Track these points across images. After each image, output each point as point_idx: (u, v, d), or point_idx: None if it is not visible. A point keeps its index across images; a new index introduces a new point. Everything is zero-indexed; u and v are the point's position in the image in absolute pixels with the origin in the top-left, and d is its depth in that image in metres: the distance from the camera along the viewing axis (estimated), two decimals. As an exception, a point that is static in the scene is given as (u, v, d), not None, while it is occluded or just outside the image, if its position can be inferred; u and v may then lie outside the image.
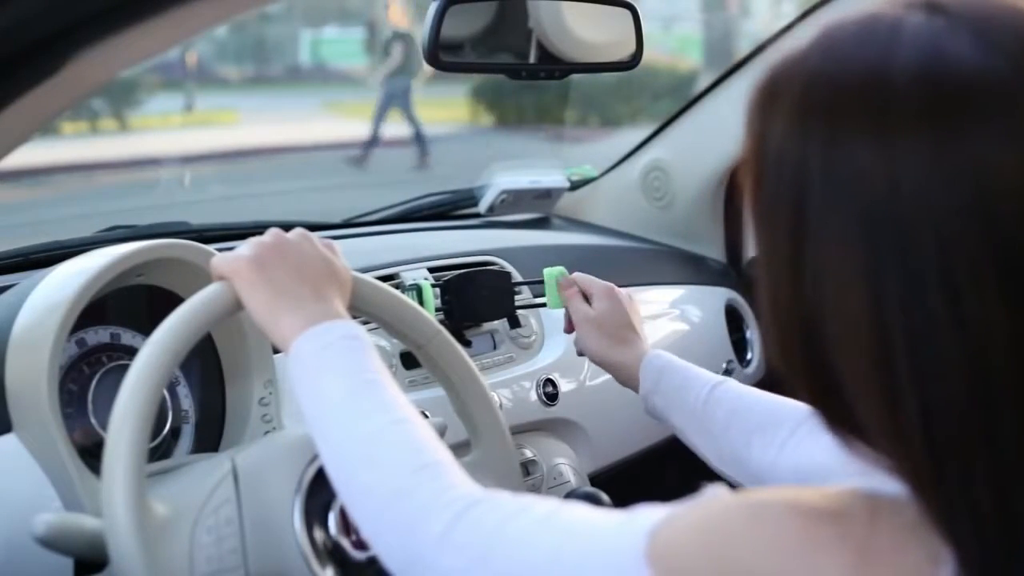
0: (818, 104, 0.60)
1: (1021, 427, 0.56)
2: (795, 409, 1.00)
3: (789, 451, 0.99)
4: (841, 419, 0.62)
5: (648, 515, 0.64)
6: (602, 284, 1.20)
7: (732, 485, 0.69)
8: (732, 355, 1.63)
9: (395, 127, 9.76)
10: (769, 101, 0.62)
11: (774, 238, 0.63)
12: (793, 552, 0.58)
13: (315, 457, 0.91)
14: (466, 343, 1.32)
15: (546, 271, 1.25)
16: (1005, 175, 0.55)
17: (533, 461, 1.32)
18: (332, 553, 0.89)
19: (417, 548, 0.72)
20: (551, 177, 1.80)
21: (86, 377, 1.07)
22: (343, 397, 0.81)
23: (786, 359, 0.64)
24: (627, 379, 1.15)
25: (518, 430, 1.25)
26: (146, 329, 1.05)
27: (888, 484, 0.60)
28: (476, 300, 1.32)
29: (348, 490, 0.79)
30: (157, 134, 10.52)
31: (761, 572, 0.58)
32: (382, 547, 0.76)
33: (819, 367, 0.61)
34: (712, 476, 1.70)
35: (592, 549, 0.65)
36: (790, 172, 0.61)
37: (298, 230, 0.93)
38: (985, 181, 0.55)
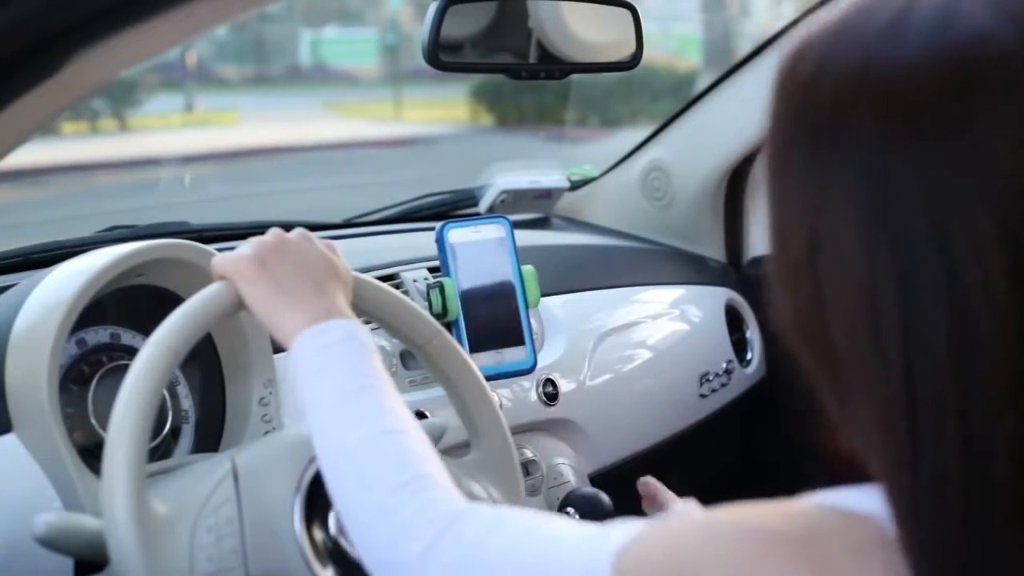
0: (832, 67, 0.59)
1: (1000, 398, 0.55)
2: None
3: None
4: (834, 392, 0.62)
5: (619, 533, 0.65)
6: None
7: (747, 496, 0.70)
8: (732, 355, 1.63)
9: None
10: (797, 59, 0.62)
11: (784, 182, 0.62)
12: (748, 573, 0.58)
13: (315, 457, 0.91)
14: (466, 343, 1.32)
15: (524, 268, 1.29)
16: (1006, 148, 0.55)
17: (533, 461, 1.32)
18: (332, 553, 0.89)
19: (401, 565, 0.73)
20: (551, 177, 1.80)
21: (86, 377, 1.07)
22: (337, 402, 0.81)
23: (789, 318, 0.63)
24: None
25: (518, 430, 1.25)
26: (146, 329, 1.05)
27: (859, 499, 0.60)
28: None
29: (337, 498, 0.80)
30: (157, 134, 10.52)
31: None
32: (369, 560, 0.77)
33: (816, 327, 0.61)
34: (712, 476, 1.70)
35: (565, 564, 0.66)
36: (805, 124, 0.61)
37: (298, 230, 0.93)
38: (986, 153, 0.55)
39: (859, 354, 0.58)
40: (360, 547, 0.78)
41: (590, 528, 0.68)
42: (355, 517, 0.78)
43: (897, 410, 0.57)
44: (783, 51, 0.63)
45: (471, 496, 0.97)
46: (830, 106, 0.59)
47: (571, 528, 0.70)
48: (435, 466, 0.78)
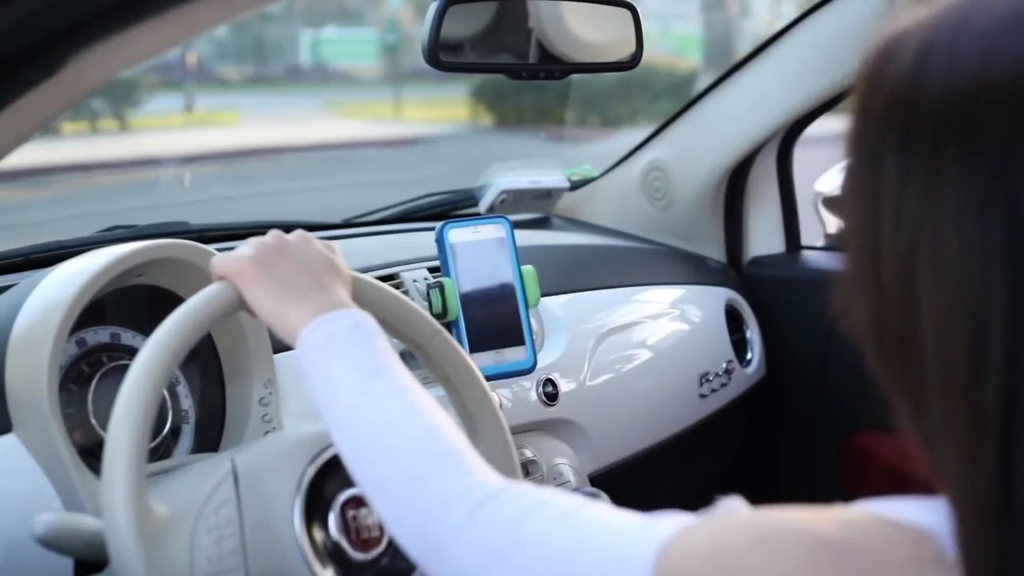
0: (941, 62, 0.56)
1: None
2: None
3: None
4: (909, 400, 0.59)
5: (664, 527, 0.63)
6: None
7: (748, 497, 0.68)
8: (732, 355, 1.63)
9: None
10: (888, 54, 0.59)
11: (876, 184, 0.59)
12: None
13: (315, 457, 0.91)
14: (466, 343, 1.32)
15: (524, 268, 1.29)
16: None
17: (533, 461, 1.32)
18: (332, 553, 0.89)
19: (436, 538, 0.71)
20: (551, 177, 1.80)
21: (86, 377, 1.07)
22: (354, 386, 0.80)
23: (866, 323, 0.61)
24: None
25: (518, 430, 1.25)
26: (146, 329, 1.05)
27: (916, 512, 0.58)
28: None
29: (365, 479, 0.78)
30: (157, 134, 10.53)
31: None
32: (402, 535, 0.75)
33: (900, 334, 0.58)
34: (712, 477, 1.70)
35: (605, 555, 0.64)
36: (904, 122, 0.58)
37: (298, 231, 0.94)
38: None
39: (951, 361, 0.56)
40: (392, 523, 0.76)
41: (635, 519, 0.65)
42: (387, 492, 0.76)
43: (989, 416, 0.54)
44: (867, 48, 0.60)
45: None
46: (941, 102, 0.56)
47: (615, 517, 0.67)
48: (464, 442, 0.77)
